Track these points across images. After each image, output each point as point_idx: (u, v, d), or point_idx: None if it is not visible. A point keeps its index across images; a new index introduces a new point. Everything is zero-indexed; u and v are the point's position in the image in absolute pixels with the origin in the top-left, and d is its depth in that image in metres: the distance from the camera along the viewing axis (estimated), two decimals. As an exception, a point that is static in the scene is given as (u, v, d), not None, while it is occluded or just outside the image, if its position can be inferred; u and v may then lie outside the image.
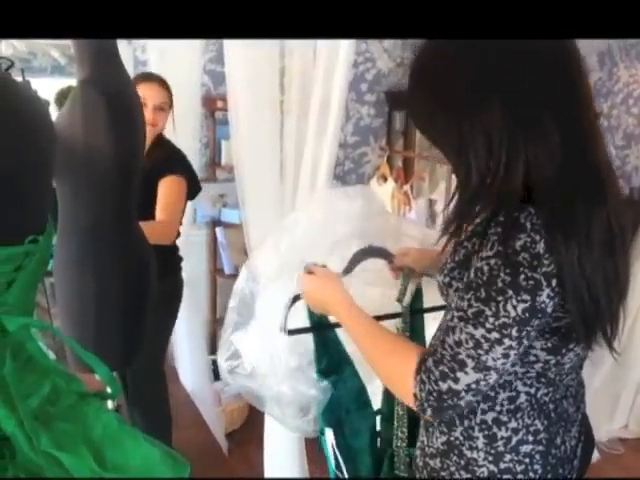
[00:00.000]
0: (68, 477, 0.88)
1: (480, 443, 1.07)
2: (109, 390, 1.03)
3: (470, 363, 0.95)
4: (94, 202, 1.62)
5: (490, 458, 1.07)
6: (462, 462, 1.09)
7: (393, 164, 3.54)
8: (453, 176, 2.80)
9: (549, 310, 0.95)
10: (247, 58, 2.05)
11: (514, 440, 1.07)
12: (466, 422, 1.09)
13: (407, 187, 3.08)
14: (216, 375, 3.15)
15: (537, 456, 1.07)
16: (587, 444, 1.20)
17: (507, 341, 0.93)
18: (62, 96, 2.74)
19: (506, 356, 0.95)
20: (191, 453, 1.04)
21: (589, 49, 3.99)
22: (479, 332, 0.94)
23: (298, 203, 2.15)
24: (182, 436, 2.56)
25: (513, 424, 1.06)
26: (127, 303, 1.73)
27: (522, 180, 0.95)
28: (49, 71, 3.13)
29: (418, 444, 1.21)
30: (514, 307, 0.92)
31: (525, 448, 1.07)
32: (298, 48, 2.07)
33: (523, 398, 1.06)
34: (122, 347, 1.76)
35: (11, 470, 0.88)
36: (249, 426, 3.07)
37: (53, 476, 0.87)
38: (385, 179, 3.27)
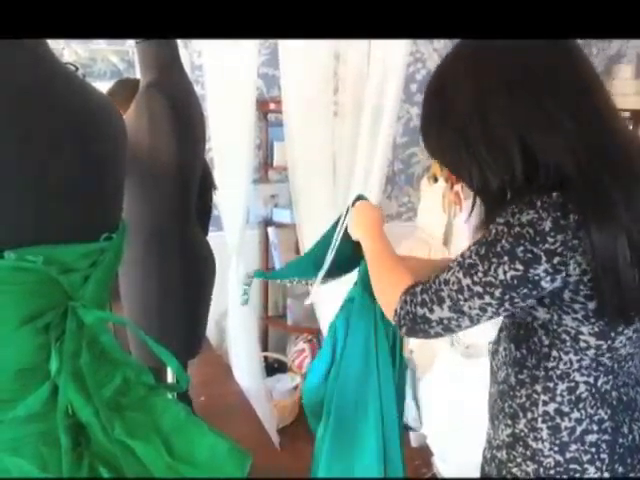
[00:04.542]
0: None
1: (544, 434, 1.08)
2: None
3: (448, 302, 1.03)
4: (157, 203, 1.67)
5: (555, 448, 1.07)
6: (528, 453, 1.10)
7: (443, 164, 3.53)
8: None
9: (544, 284, 0.96)
10: (301, 62, 2.09)
11: (578, 430, 1.06)
12: (529, 414, 1.09)
13: (458, 187, 3.06)
14: (268, 371, 3.20)
15: (603, 445, 1.07)
16: None
17: (488, 298, 0.99)
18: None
19: (483, 310, 1.01)
20: (245, 447, 1.05)
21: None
22: (466, 281, 1.01)
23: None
24: (236, 430, 2.60)
25: (576, 414, 1.06)
26: (188, 302, 1.78)
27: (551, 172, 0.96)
28: (108, 76, 3.23)
29: (486, 437, 1.22)
30: (504, 272, 0.96)
31: (590, 438, 1.06)
32: (352, 51, 2.10)
33: (583, 388, 1.06)
34: (183, 344, 1.81)
35: (87, 457, 0.92)
36: (299, 422, 3.10)
37: (126, 464, 0.91)
38: (436, 179, 3.25)
